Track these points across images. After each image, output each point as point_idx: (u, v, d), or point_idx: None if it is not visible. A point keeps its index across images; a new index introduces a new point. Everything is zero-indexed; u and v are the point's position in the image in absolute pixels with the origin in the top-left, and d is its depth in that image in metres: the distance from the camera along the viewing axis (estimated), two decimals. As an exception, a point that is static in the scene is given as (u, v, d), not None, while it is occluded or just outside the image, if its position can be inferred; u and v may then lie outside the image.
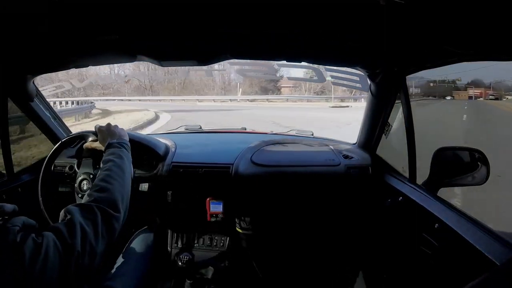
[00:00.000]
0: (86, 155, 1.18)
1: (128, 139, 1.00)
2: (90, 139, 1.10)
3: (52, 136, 1.47)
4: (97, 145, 1.04)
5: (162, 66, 1.15)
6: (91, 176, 1.13)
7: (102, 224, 0.65)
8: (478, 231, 0.80)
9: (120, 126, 1.05)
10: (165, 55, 1.07)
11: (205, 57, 1.07)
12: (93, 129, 1.09)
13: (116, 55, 1.09)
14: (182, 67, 1.20)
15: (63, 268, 0.56)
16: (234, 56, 1.10)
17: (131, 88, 28.35)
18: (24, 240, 0.54)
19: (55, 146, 1.19)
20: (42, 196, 1.13)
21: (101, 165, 0.85)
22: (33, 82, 1.30)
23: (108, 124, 1.04)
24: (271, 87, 27.54)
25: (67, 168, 1.37)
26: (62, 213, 0.66)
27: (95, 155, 1.11)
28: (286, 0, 0.69)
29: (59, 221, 0.64)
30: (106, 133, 1.00)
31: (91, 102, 14.97)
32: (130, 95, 25.53)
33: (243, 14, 0.77)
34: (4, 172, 1.33)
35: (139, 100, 22.66)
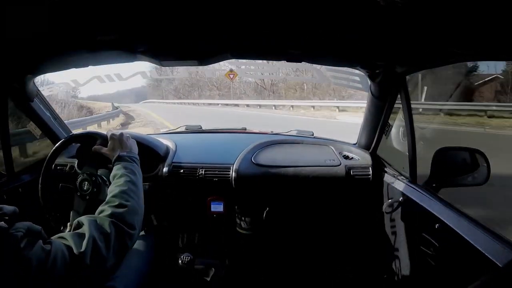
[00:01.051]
0: (91, 158, 1.18)
1: (137, 153, 0.97)
2: (99, 142, 1.08)
3: (52, 136, 1.47)
4: (106, 151, 1.01)
5: (162, 66, 1.16)
6: (93, 178, 1.12)
7: (115, 241, 0.64)
8: (479, 231, 0.80)
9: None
10: (165, 54, 1.07)
11: (205, 57, 1.07)
12: (105, 133, 1.06)
13: (116, 54, 1.09)
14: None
15: (69, 278, 0.55)
16: (235, 56, 1.10)
17: (251, 88, 22.28)
18: (29, 246, 0.53)
19: (63, 140, 1.18)
20: (43, 194, 1.13)
21: (112, 178, 0.83)
22: (33, 82, 1.30)
23: (121, 134, 1.01)
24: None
25: (67, 168, 1.37)
26: (75, 222, 0.65)
27: (100, 159, 1.10)
28: (287, 0, 0.69)
29: (71, 230, 0.63)
30: (118, 142, 0.98)
31: (117, 108, 14.19)
32: (250, 98, 18.98)
33: (243, 14, 0.77)
34: (4, 172, 1.33)
35: (236, 105, 15.72)
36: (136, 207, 0.75)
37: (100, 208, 0.73)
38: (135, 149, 1.00)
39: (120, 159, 0.90)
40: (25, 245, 0.53)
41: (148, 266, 1.17)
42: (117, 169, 0.86)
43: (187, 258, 1.37)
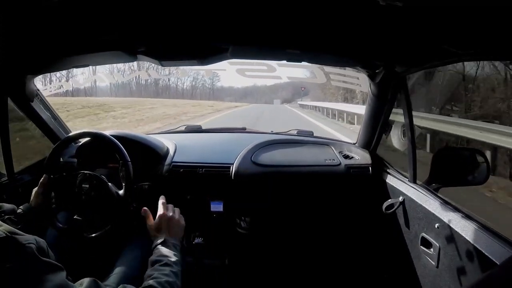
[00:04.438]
0: (91, 158, 1.15)
1: (181, 235, 0.90)
2: (153, 220, 0.92)
3: (52, 136, 1.47)
4: (151, 226, 0.90)
5: (162, 66, 1.16)
6: (92, 179, 1.12)
7: None
8: (479, 231, 0.80)
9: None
10: (165, 55, 1.07)
11: (205, 57, 1.07)
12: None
13: (117, 54, 1.09)
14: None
15: None
16: (234, 56, 1.10)
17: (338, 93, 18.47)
18: (49, 267, 0.52)
19: (62, 139, 1.18)
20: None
21: (154, 262, 0.79)
22: (33, 82, 1.30)
23: (172, 218, 0.91)
24: None
25: (66, 167, 1.37)
26: None
27: (100, 160, 1.06)
28: (286, 0, 0.69)
29: None
30: (166, 224, 0.89)
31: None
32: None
33: (244, 14, 0.77)
34: (4, 172, 1.33)
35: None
36: None
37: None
38: (181, 233, 0.91)
39: (165, 244, 0.82)
40: (45, 263, 0.52)
41: (148, 266, 1.17)
42: (160, 255, 0.80)
43: (187, 258, 1.37)
